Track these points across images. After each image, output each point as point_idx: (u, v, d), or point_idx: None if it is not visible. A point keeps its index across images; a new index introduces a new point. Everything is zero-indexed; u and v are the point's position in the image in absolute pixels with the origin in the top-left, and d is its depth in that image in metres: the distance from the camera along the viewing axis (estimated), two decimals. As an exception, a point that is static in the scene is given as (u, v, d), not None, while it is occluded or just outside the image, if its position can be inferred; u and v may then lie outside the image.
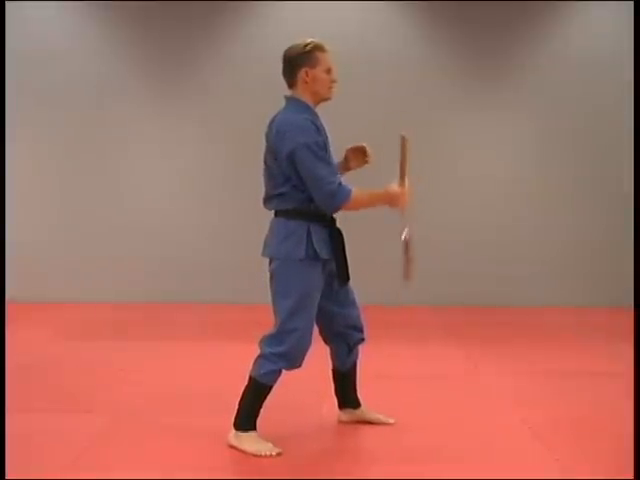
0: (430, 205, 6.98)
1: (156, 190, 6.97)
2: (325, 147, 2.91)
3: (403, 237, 3.16)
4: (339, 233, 3.06)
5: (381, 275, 6.81)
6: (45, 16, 6.86)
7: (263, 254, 3.03)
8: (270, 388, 2.97)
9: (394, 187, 2.98)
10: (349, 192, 2.87)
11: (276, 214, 2.99)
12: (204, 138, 6.95)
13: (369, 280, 6.56)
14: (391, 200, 2.99)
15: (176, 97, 6.92)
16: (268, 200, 3.00)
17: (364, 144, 3.15)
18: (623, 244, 6.79)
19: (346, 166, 3.18)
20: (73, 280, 6.94)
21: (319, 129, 2.91)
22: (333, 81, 2.98)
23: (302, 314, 2.91)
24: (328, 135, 3.02)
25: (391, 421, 3.32)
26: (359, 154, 3.16)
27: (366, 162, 3.17)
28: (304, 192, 2.90)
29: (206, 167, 6.97)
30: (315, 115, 2.97)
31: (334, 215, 3.04)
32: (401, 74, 6.78)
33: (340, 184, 2.87)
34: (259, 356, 2.95)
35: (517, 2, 6.82)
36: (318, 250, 2.91)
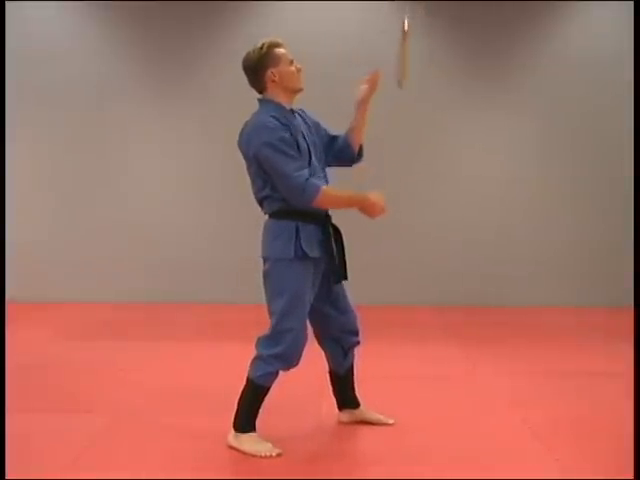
0: (430, 205, 6.99)
1: (156, 190, 6.96)
2: (292, 143, 2.85)
3: (405, 26, 3.19)
4: (336, 231, 3.05)
5: (381, 275, 6.82)
6: (45, 16, 6.86)
7: (261, 256, 3.04)
8: (268, 389, 2.97)
9: (375, 195, 2.93)
10: (318, 186, 2.83)
11: (269, 216, 3.00)
12: (204, 138, 6.95)
13: (369, 280, 6.59)
14: (367, 206, 2.92)
15: (176, 97, 6.91)
16: (259, 204, 3.01)
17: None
18: (623, 244, 6.79)
19: (359, 110, 3.14)
20: (73, 280, 6.94)
21: (288, 126, 2.88)
22: (299, 70, 2.98)
23: (295, 314, 2.91)
24: (307, 132, 3.01)
25: (391, 421, 3.32)
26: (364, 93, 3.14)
27: (373, 84, 3.14)
28: None
29: (206, 167, 6.97)
30: (287, 112, 2.95)
31: (329, 213, 3.04)
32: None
33: (308, 179, 2.82)
34: (255, 357, 2.96)
35: (517, 2, 6.81)
36: (306, 249, 2.89)
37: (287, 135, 2.85)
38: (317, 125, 3.13)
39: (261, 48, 2.92)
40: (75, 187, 6.97)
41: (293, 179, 2.81)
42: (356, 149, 3.17)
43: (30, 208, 6.94)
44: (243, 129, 2.97)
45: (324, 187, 2.85)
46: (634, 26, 6.18)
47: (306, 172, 2.84)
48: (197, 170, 6.99)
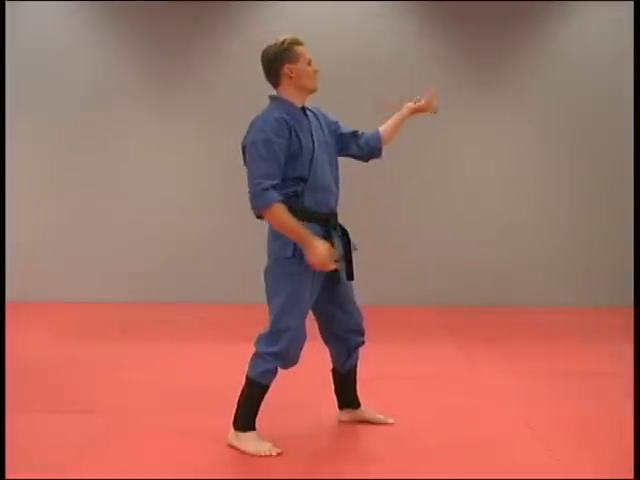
0: (430, 205, 6.99)
1: (156, 190, 6.97)
2: (281, 147, 2.83)
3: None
4: (343, 232, 3.06)
5: (382, 275, 6.82)
6: (45, 16, 6.85)
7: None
8: (267, 387, 2.97)
9: (323, 245, 2.82)
10: (271, 201, 2.78)
11: None
12: (204, 138, 6.95)
13: (370, 280, 6.58)
14: (305, 247, 2.82)
15: (175, 96, 6.91)
16: None
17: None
18: (623, 244, 6.79)
19: (404, 115, 3.26)
20: (73, 280, 6.94)
21: (289, 127, 2.87)
22: (316, 71, 3.00)
23: (293, 313, 2.91)
24: (318, 130, 3.01)
25: (391, 421, 3.31)
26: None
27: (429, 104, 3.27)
28: (289, 188, 2.90)
29: (206, 167, 6.97)
30: (295, 111, 2.95)
31: (336, 213, 3.04)
32: (401, 74, 6.77)
33: (267, 189, 2.78)
34: (254, 355, 2.97)
35: (517, 2, 6.81)
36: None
37: (277, 138, 2.83)
38: (334, 124, 3.14)
39: (282, 43, 2.94)
40: (75, 187, 6.97)
41: (254, 184, 2.81)
42: (382, 146, 3.23)
43: (30, 208, 6.94)
44: None
45: (277, 205, 2.79)
46: (634, 26, 6.18)
47: (271, 182, 2.80)
48: (197, 170, 6.99)
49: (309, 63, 2.97)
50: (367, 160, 3.28)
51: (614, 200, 6.95)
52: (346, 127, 3.18)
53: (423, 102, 3.27)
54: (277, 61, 2.93)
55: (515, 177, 6.99)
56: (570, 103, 6.91)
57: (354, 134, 3.18)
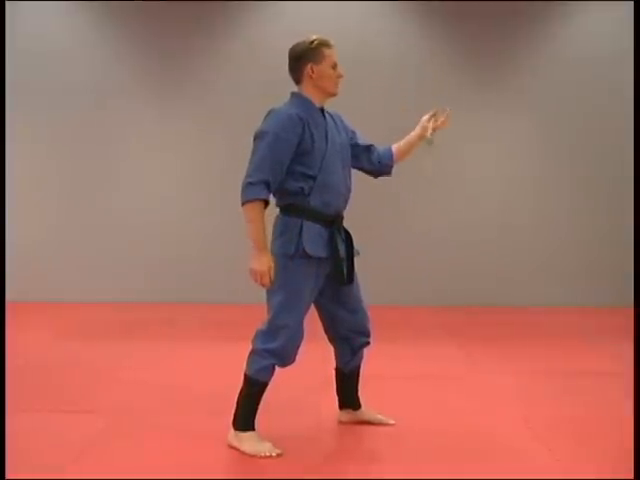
0: (430, 205, 6.99)
1: (156, 190, 6.97)
2: (289, 144, 2.85)
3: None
4: (347, 234, 3.07)
5: (382, 275, 6.82)
6: (45, 16, 6.86)
7: None
8: (265, 385, 2.97)
9: (269, 260, 2.89)
10: (253, 196, 2.83)
11: (279, 210, 3.01)
12: (204, 138, 6.95)
13: (370, 280, 6.58)
14: (253, 256, 2.90)
15: (175, 97, 6.92)
16: (273, 196, 3.01)
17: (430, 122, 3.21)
18: (623, 244, 6.79)
19: (418, 135, 3.23)
20: (73, 280, 6.94)
21: (302, 123, 2.87)
22: (339, 76, 3.01)
23: (291, 311, 2.91)
24: (335, 132, 3.01)
25: (391, 422, 3.31)
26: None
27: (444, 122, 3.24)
28: (297, 183, 2.90)
29: (206, 167, 6.97)
30: (313, 109, 2.97)
31: (342, 216, 3.05)
32: (402, 74, 6.78)
33: (254, 184, 2.82)
34: (251, 352, 2.97)
35: (517, 2, 6.82)
36: (308, 248, 2.90)
37: (286, 135, 2.84)
38: (352, 132, 3.16)
39: (311, 42, 2.96)
40: (75, 187, 6.97)
41: (247, 175, 2.86)
42: (393, 164, 3.26)
43: (30, 208, 6.94)
44: None
45: (257, 202, 2.83)
46: (634, 26, 6.19)
47: (263, 177, 2.82)
48: (197, 170, 6.99)
49: (334, 67, 2.98)
50: (376, 176, 3.30)
51: (614, 200, 6.95)
52: (362, 139, 3.19)
53: (440, 120, 3.24)
54: (301, 59, 2.96)
55: (515, 177, 7.00)
56: (570, 103, 6.92)
57: (368, 148, 3.19)
